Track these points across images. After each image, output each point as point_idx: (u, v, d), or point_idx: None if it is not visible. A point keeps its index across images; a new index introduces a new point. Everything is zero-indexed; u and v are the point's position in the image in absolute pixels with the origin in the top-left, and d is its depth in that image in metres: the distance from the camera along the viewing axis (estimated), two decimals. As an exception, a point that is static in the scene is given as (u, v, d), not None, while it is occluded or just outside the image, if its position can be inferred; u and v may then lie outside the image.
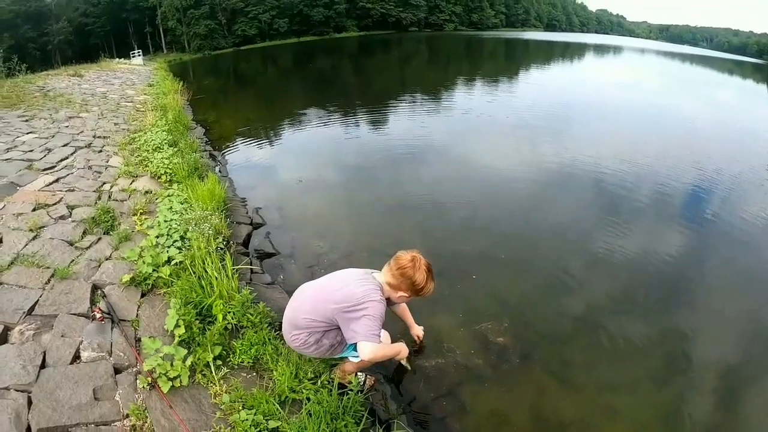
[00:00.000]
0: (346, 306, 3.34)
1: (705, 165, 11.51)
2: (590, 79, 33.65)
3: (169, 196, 6.80)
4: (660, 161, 11.65)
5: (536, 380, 4.47)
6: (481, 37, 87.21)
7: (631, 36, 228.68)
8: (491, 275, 6.23)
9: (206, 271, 4.46)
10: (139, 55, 44.75)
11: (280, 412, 3.26)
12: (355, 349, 3.48)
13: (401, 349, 3.85)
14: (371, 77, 34.06)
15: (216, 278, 4.35)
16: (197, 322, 3.99)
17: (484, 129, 15.34)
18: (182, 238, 5.36)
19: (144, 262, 4.72)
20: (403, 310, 4.40)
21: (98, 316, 4.00)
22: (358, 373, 3.94)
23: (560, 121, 16.38)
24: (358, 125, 15.71)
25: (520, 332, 5.05)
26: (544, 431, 3.99)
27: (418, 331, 4.49)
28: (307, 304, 3.57)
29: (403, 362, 3.93)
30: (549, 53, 59.57)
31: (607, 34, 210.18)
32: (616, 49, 79.95)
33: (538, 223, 7.96)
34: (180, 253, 4.98)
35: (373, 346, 3.29)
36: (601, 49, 75.70)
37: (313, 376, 3.61)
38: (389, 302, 3.67)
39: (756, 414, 4.31)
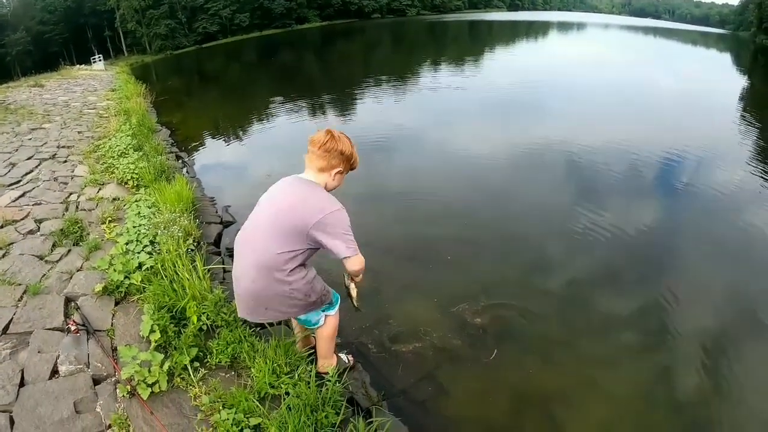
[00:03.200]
0: (319, 219, 3.04)
1: (675, 138, 11.69)
2: (556, 57, 33.86)
3: (136, 201, 6.72)
4: (630, 136, 11.83)
5: (516, 358, 4.53)
6: (445, 20, 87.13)
7: (594, 12, 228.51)
8: (466, 256, 6.29)
9: (177, 274, 4.43)
10: (100, 60, 43.81)
11: (260, 409, 3.27)
12: (323, 312, 3.55)
13: None
14: (336, 67, 33.90)
15: (188, 280, 4.32)
16: (172, 325, 3.96)
17: (452, 112, 15.36)
18: (152, 242, 5.31)
19: (115, 270, 4.67)
20: None
21: (73, 328, 3.96)
22: (340, 355, 3.98)
23: (529, 101, 16.60)
24: (325, 115, 15.76)
25: (497, 312, 5.10)
26: (526, 409, 4.04)
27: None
28: (274, 236, 3.13)
29: (355, 301, 3.64)
30: (513, 33, 59.90)
31: (570, 11, 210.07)
32: (580, 26, 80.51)
33: (512, 202, 8.08)
34: (150, 257, 4.94)
35: (359, 258, 3.18)
36: (564, 26, 76.19)
37: (289, 370, 3.61)
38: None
39: (734, 380, 4.38)
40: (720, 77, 27.31)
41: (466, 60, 30.16)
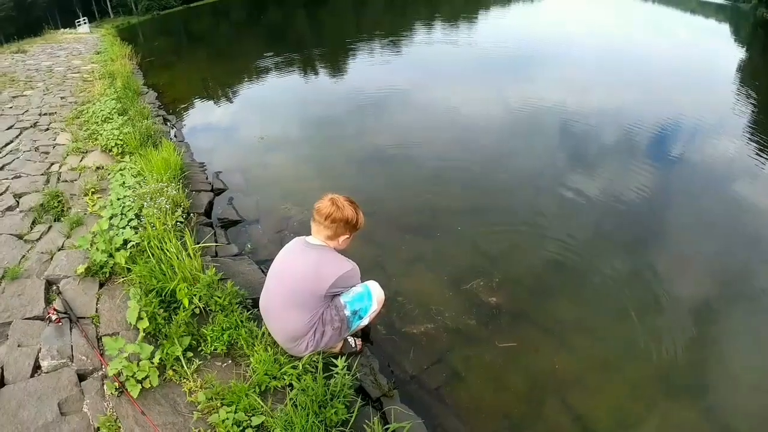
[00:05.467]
0: (334, 281, 3.26)
1: (670, 107, 11.32)
2: (551, 20, 32.80)
3: (121, 170, 6.31)
4: (627, 103, 11.53)
5: (531, 340, 4.27)
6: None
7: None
8: (476, 226, 5.97)
9: (164, 252, 4.02)
10: (85, 23, 42.66)
11: (262, 406, 2.96)
12: (359, 319, 3.54)
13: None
14: (327, 25, 33.03)
15: (177, 259, 3.93)
16: (161, 311, 3.64)
17: (448, 74, 14.83)
18: (137, 216, 4.91)
19: (97, 249, 4.28)
20: None
21: (54, 317, 3.65)
22: (348, 337, 3.74)
23: (525, 65, 15.97)
24: (318, 75, 15.26)
25: (511, 288, 4.83)
26: (543, 394, 3.79)
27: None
28: (294, 310, 3.32)
29: None
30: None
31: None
32: None
33: (515, 170, 7.70)
34: (136, 234, 4.54)
35: (375, 284, 3.61)
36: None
37: (293, 360, 3.33)
38: None
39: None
40: (718, 47, 26.61)
41: (461, 20, 29.12)
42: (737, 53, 25.44)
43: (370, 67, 15.86)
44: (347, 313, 3.43)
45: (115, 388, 3.11)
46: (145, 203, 5.04)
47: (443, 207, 6.35)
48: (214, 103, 12.76)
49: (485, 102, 11.47)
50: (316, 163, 8.07)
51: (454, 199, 6.62)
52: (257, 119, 11.07)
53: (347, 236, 3.40)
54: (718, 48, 25.87)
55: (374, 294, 3.57)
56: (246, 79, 15.28)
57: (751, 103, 12.99)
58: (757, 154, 8.81)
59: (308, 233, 3.41)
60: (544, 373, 3.94)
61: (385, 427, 3.04)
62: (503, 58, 16.50)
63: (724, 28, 41.56)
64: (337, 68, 16.26)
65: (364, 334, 4.09)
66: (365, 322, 3.59)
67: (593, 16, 38.09)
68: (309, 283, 3.24)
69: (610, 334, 4.41)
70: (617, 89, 13.12)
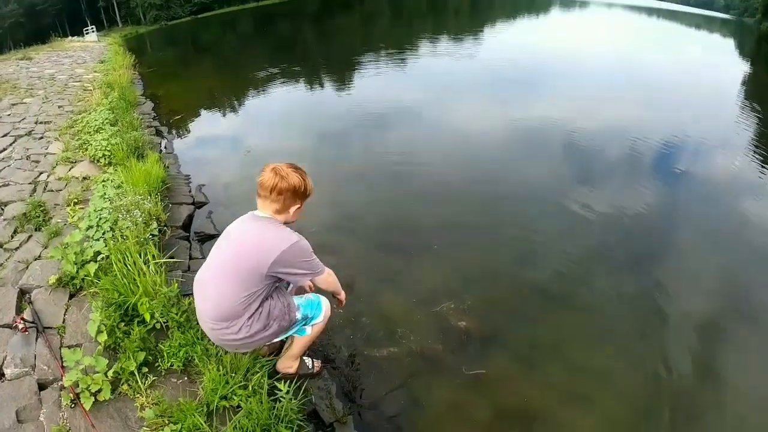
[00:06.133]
0: (276, 257, 2.95)
1: (674, 122, 11.37)
2: (557, 36, 33.01)
3: (104, 181, 6.35)
4: (629, 120, 11.56)
5: (501, 367, 4.19)
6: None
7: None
8: (454, 245, 5.94)
9: (127, 267, 4.06)
10: (93, 32, 42.86)
11: (205, 427, 2.94)
12: (304, 326, 3.38)
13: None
14: (332, 39, 33.28)
15: (139, 273, 3.97)
16: (122, 324, 3.63)
17: (444, 90, 14.96)
18: (112, 228, 4.93)
19: (68, 261, 4.32)
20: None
21: (20, 326, 3.67)
22: (305, 358, 3.67)
23: (527, 80, 16.13)
24: (313, 90, 15.47)
25: (484, 312, 4.76)
26: (509, 428, 3.71)
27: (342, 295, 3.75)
28: (229, 283, 3.04)
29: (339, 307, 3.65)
30: (514, 8, 58.58)
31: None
32: (582, 4, 78.63)
33: (506, 186, 7.75)
34: (106, 246, 4.57)
35: (326, 273, 3.26)
36: (566, 3, 74.53)
37: (244, 381, 3.27)
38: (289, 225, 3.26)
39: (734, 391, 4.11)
40: (723, 62, 26.75)
41: (466, 35, 29.47)
42: (742, 67, 25.60)
43: (368, 84, 15.98)
44: (298, 316, 3.31)
45: (71, 399, 3.12)
46: (120, 216, 5.08)
47: (424, 225, 6.36)
48: (210, 115, 12.89)
49: (482, 119, 11.56)
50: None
51: (435, 216, 6.62)
52: (248, 132, 11.18)
53: (297, 206, 3.15)
54: (723, 62, 26.09)
55: (323, 306, 3.44)
56: (244, 92, 15.44)
57: (755, 116, 13.08)
58: (762, 166, 8.94)
59: None
60: (512, 404, 3.86)
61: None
62: (498, 74, 16.72)
63: (729, 43, 41.79)
64: (334, 82, 16.39)
65: (320, 354, 4.04)
66: (309, 332, 3.44)
67: (599, 30, 38.37)
68: (251, 257, 2.99)
69: (590, 363, 4.33)
70: (620, 104, 13.23)
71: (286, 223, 3.16)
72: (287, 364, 3.58)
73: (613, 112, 12.05)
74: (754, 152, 10.04)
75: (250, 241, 3.04)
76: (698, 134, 10.64)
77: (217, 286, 3.06)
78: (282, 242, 2.97)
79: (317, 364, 3.78)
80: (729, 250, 6.26)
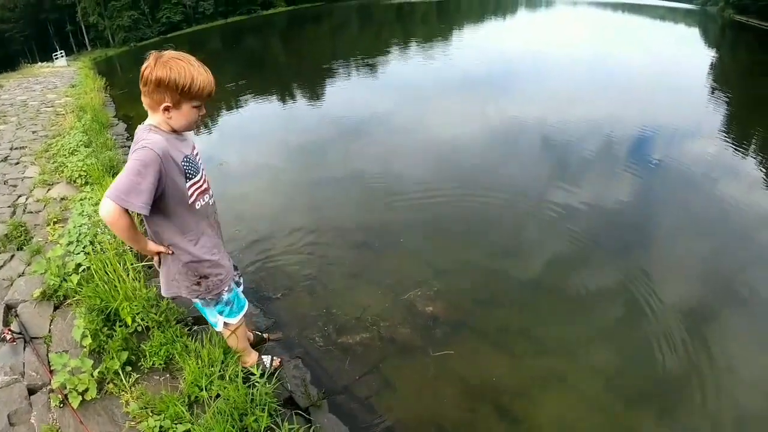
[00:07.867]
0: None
1: (644, 113, 11.70)
2: (525, 36, 33.45)
3: (81, 200, 6.53)
4: (600, 113, 11.78)
5: (469, 348, 4.37)
6: (412, 1, 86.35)
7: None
8: (421, 238, 6.16)
9: (107, 275, 4.26)
10: (63, 57, 42.49)
11: (186, 415, 3.14)
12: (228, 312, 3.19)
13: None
14: (301, 52, 33.26)
15: (119, 279, 4.19)
16: (105, 328, 3.83)
17: (412, 92, 15.33)
18: (92, 242, 5.13)
19: (51, 274, 4.53)
20: None
21: (8, 337, 3.86)
22: (263, 357, 3.81)
23: (495, 81, 16.42)
24: (285, 101, 15.58)
25: (452, 298, 4.95)
26: (477, 404, 3.88)
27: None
28: None
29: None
30: (482, 10, 59.24)
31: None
32: (548, 2, 79.74)
33: (475, 180, 7.93)
34: (87, 258, 4.78)
35: (107, 203, 2.31)
36: (532, 3, 75.56)
37: (220, 371, 3.45)
38: (181, 132, 2.77)
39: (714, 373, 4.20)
40: (688, 52, 27.24)
41: (435, 41, 29.61)
42: (708, 54, 26.15)
43: (336, 93, 16.17)
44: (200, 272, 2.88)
45: (59, 400, 3.30)
46: (99, 230, 5.29)
47: (391, 222, 6.59)
48: (182, 132, 12.92)
49: (448, 118, 11.86)
50: (270, 186, 8.33)
51: (403, 213, 6.85)
52: (221, 145, 11.42)
53: (168, 104, 2.52)
54: (689, 53, 26.58)
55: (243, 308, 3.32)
56: (216, 106, 15.46)
57: (724, 100, 13.52)
58: (735, 149, 9.37)
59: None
60: (479, 382, 4.01)
61: (308, 423, 3.23)
62: (468, 77, 17.03)
63: (694, 32, 42.47)
64: (304, 94, 16.52)
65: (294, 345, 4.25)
66: (221, 328, 3.29)
67: (566, 29, 38.77)
68: None
69: (561, 344, 4.46)
70: (592, 101, 13.53)
71: (173, 130, 2.68)
72: (243, 359, 3.63)
73: (585, 108, 12.29)
74: (726, 134, 10.53)
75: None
76: (671, 123, 10.98)
77: None
78: (132, 148, 2.49)
79: (276, 360, 3.86)
80: (703, 233, 6.52)
